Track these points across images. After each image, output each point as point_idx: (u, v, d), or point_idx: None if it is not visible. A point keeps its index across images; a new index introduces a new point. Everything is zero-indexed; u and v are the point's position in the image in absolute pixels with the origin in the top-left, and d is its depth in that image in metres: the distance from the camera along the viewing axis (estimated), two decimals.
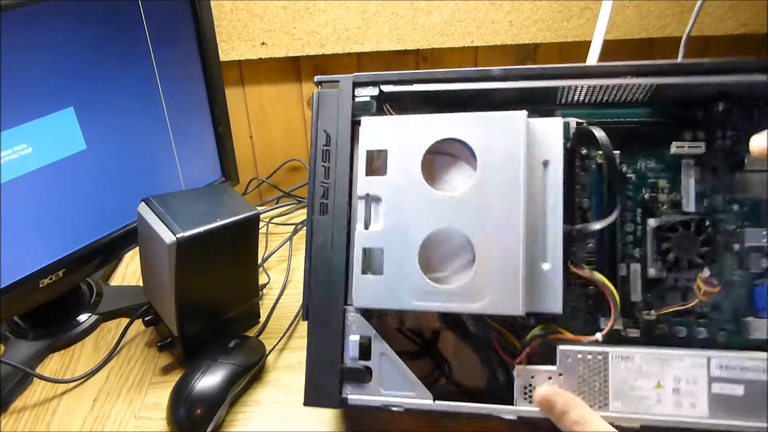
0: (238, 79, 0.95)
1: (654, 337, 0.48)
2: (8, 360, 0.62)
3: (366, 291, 0.47)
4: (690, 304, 0.47)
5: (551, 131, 0.47)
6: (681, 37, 0.83)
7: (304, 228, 0.85)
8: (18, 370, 0.62)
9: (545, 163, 0.46)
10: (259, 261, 0.78)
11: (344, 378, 0.47)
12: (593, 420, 0.41)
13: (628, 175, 0.50)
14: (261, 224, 0.83)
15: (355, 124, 0.50)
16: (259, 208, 0.68)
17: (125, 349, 0.67)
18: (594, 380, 0.44)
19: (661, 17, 0.89)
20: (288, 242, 0.82)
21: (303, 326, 0.70)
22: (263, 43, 0.90)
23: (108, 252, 0.68)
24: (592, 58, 0.86)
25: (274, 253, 0.81)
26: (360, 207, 0.48)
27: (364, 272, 0.48)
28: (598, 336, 0.46)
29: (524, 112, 0.47)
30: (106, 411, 0.60)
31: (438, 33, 0.90)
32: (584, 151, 0.51)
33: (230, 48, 0.90)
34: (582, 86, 0.49)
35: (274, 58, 0.92)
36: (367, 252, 0.48)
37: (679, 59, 0.84)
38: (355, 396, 0.47)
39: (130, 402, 0.61)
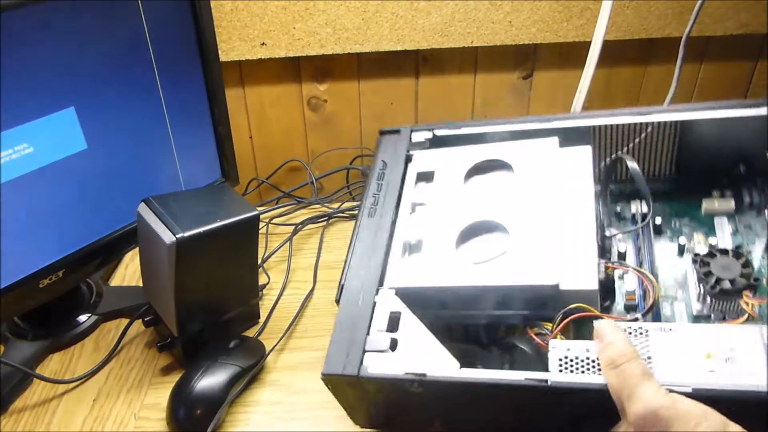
0: (238, 79, 0.95)
1: None
2: (8, 360, 0.62)
3: (402, 271, 0.50)
4: (740, 321, 0.45)
5: (581, 156, 0.54)
6: (681, 38, 0.84)
7: (304, 228, 0.86)
8: (18, 370, 0.62)
9: (576, 176, 0.52)
10: (259, 261, 0.78)
11: (367, 349, 0.45)
12: (631, 365, 0.37)
13: (664, 231, 0.54)
14: (261, 224, 0.83)
15: (409, 158, 0.59)
16: (259, 209, 0.68)
17: (125, 350, 0.67)
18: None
19: (661, 17, 0.89)
20: (288, 243, 0.82)
21: (303, 327, 0.70)
22: (263, 44, 0.90)
23: (108, 252, 0.68)
24: (592, 59, 0.86)
25: (273, 253, 0.81)
26: (405, 211, 0.55)
27: (402, 256, 0.51)
28: (639, 315, 0.46)
29: (555, 138, 0.55)
30: (106, 411, 0.60)
31: (438, 33, 0.90)
32: (618, 210, 0.56)
33: (230, 48, 0.90)
34: (613, 129, 0.57)
35: (274, 58, 0.92)
36: (407, 245, 0.52)
37: (679, 60, 0.84)
38: (376, 366, 0.44)
39: (130, 402, 0.61)
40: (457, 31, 0.90)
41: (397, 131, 0.61)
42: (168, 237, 0.55)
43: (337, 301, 0.50)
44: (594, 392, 0.39)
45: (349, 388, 0.46)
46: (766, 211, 0.51)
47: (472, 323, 0.50)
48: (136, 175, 0.67)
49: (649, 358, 0.39)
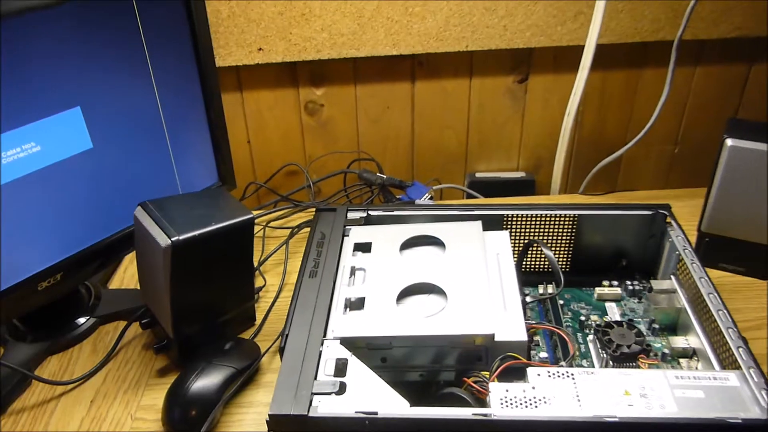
0: (235, 84, 0.96)
1: None
2: (7, 362, 0.63)
3: (346, 323, 0.53)
4: None
5: (501, 238, 0.63)
6: (674, 41, 0.84)
7: (301, 231, 0.86)
8: (17, 372, 0.63)
9: (498, 253, 0.61)
10: (256, 264, 0.78)
11: (315, 392, 0.46)
12: None
13: (565, 314, 0.63)
14: (258, 228, 0.84)
15: (345, 233, 0.64)
16: (257, 212, 0.68)
17: (122, 352, 0.68)
18: (566, 391, 0.46)
19: (655, 21, 0.90)
20: (284, 245, 0.83)
21: None
22: (260, 49, 0.91)
23: (106, 255, 0.68)
24: (586, 62, 0.87)
25: (270, 256, 0.82)
26: (345, 274, 0.58)
27: (344, 312, 0.54)
28: (563, 363, 0.54)
29: (479, 222, 0.63)
30: (103, 412, 0.61)
31: (433, 38, 0.91)
32: (528, 300, 0.63)
33: (227, 54, 0.91)
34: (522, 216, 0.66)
35: (271, 63, 0.92)
36: (348, 302, 0.55)
37: (671, 64, 0.84)
38: (326, 407, 0.45)
39: (126, 403, 0.62)
40: (453, 36, 0.91)
41: (333, 210, 0.67)
42: (163, 240, 0.55)
43: (281, 350, 0.51)
44: (532, 424, 0.44)
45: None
46: (643, 299, 0.64)
47: (411, 380, 0.53)
48: (135, 178, 0.68)
49: (577, 395, 0.45)
